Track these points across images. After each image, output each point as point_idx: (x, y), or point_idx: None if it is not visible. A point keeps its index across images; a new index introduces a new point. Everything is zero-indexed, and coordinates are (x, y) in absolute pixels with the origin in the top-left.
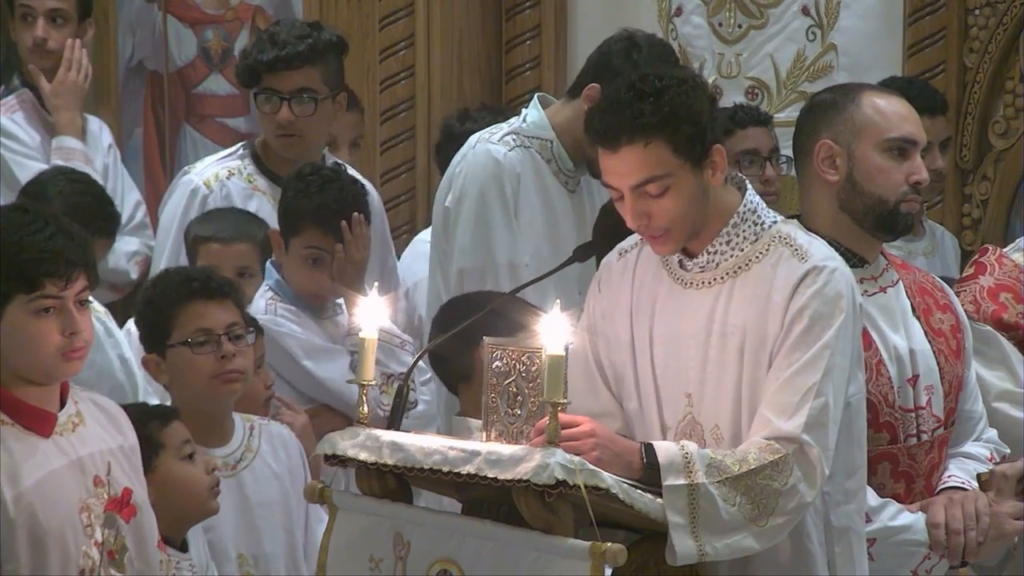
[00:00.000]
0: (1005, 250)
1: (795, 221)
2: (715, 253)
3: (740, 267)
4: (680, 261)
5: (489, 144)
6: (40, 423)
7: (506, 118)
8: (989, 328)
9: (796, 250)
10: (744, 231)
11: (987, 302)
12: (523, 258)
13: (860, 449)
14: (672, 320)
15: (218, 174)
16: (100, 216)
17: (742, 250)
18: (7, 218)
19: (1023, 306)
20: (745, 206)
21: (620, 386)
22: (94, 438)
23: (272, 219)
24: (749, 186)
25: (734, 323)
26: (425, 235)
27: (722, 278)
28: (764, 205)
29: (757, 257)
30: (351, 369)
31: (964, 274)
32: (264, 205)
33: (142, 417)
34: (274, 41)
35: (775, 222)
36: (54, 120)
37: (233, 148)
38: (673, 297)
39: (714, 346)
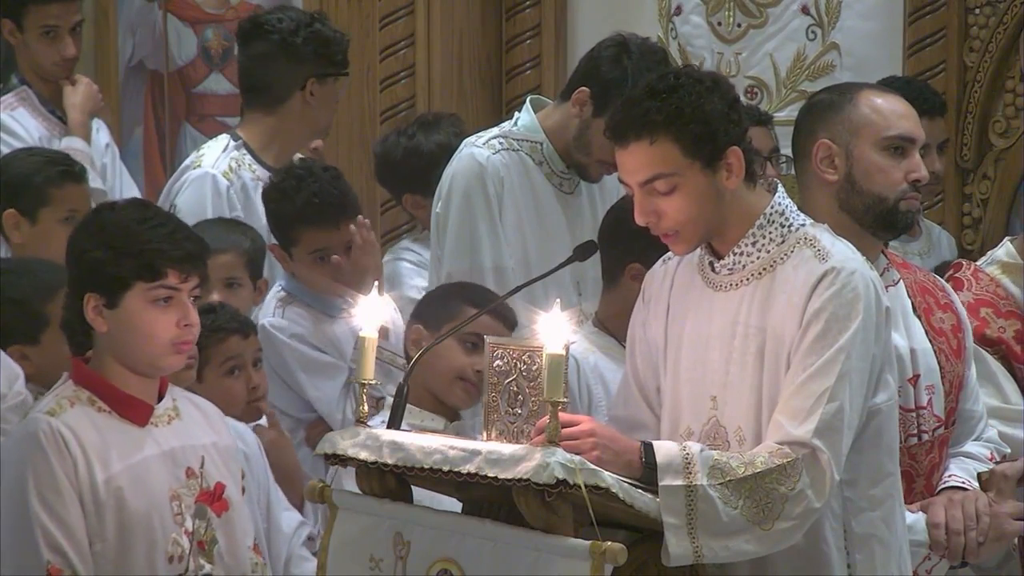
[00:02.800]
0: (979, 263)
1: (825, 224)
2: (741, 254)
3: (765, 269)
4: (711, 263)
5: (474, 148)
6: (136, 413)
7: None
8: (973, 345)
9: (818, 251)
10: (770, 232)
11: (968, 318)
12: (509, 261)
13: (891, 457)
14: (700, 323)
15: (231, 165)
16: (63, 162)
17: (768, 251)
18: (129, 210)
19: (1003, 320)
20: (772, 208)
21: (661, 392)
22: (189, 432)
23: None
24: (781, 188)
25: (756, 325)
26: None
27: (748, 280)
28: (794, 208)
29: (782, 259)
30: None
31: None
32: None
33: None
34: (332, 28)
35: (803, 224)
36: (68, 118)
37: (222, 142)
38: (704, 300)
39: (737, 348)
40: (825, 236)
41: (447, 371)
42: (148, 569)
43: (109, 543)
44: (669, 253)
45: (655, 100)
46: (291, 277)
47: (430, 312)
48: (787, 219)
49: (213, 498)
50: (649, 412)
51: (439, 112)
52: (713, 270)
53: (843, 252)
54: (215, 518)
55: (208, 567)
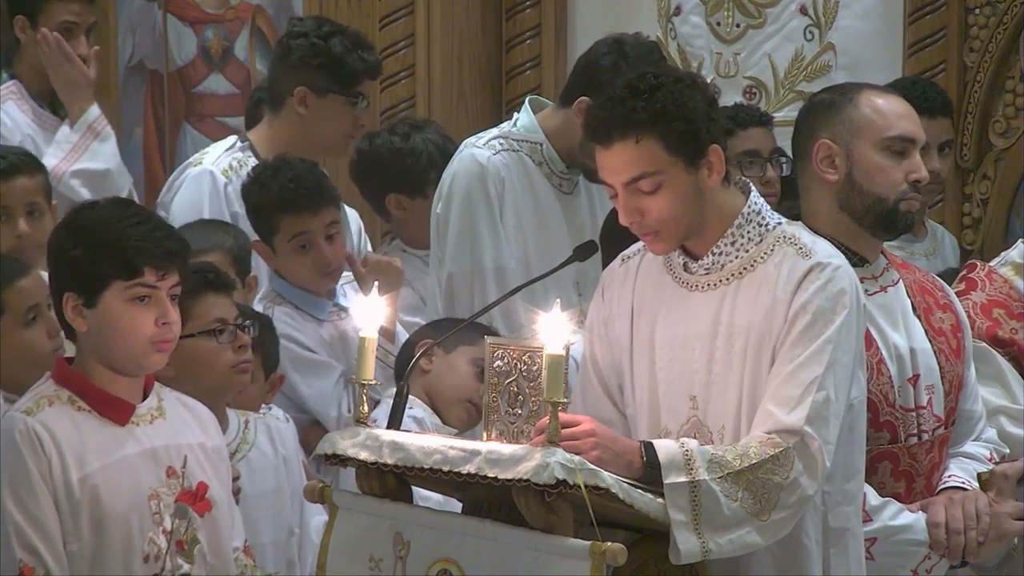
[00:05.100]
0: (992, 264)
1: (800, 223)
2: (719, 255)
3: (745, 268)
4: (684, 264)
5: (474, 148)
6: (117, 411)
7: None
8: (984, 344)
9: (800, 248)
10: (748, 232)
11: (981, 318)
12: (509, 261)
13: (860, 452)
14: (676, 323)
15: (232, 164)
16: (15, 152)
17: (747, 251)
18: (108, 209)
19: (1016, 322)
20: (749, 207)
21: (623, 391)
22: (173, 432)
23: None
24: (753, 188)
25: (740, 324)
26: None
27: (727, 279)
28: (768, 207)
29: (762, 258)
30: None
31: (955, 290)
32: None
33: None
34: (363, 46)
35: (779, 223)
36: (68, 111)
37: (229, 142)
38: (678, 300)
39: (720, 348)
40: (804, 234)
41: (457, 391)
42: (124, 568)
43: (84, 542)
44: (628, 251)
45: (638, 99)
46: (276, 275)
47: (443, 332)
48: (763, 218)
49: (195, 498)
50: (613, 408)
51: (423, 118)
52: (687, 270)
53: (825, 248)
54: (197, 517)
55: (187, 567)
